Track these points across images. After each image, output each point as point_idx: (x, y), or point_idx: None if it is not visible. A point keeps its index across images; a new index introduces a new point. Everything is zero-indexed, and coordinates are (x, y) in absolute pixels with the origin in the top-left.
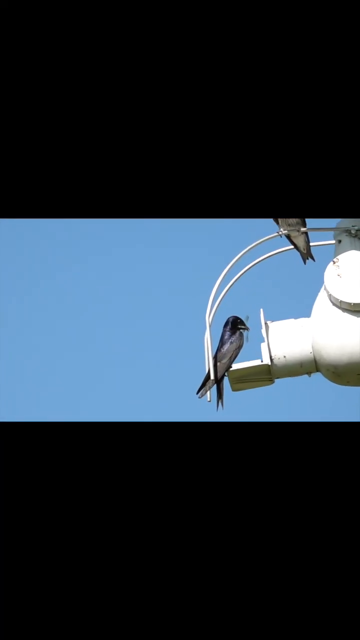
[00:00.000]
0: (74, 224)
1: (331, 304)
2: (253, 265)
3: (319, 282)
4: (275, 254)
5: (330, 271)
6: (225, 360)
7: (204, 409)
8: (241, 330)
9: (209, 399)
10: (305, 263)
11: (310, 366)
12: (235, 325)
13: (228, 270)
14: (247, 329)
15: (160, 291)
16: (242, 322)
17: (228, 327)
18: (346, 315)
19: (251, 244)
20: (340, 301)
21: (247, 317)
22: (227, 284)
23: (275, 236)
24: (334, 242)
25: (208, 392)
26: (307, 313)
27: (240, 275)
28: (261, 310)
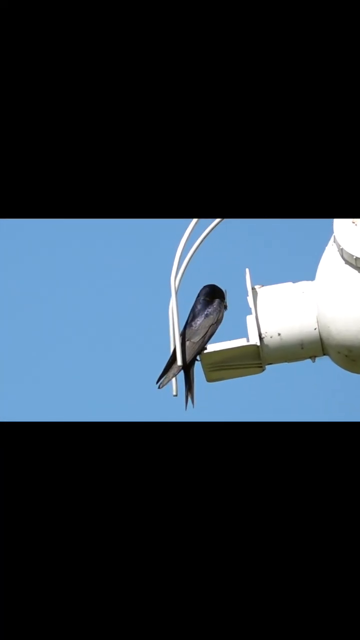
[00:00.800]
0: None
1: (343, 261)
2: None
3: (326, 233)
4: None
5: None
6: (197, 339)
7: (167, 406)
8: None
9: (174, 392)
10: None
11: (314, 347)
12: (212, 294)
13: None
14: (224, 306)
15: (107, 248)
16: (220, 293)
17: (202, 295)
18: None
19: None
20: (356, 258)
21: (225, 291)
22: (200, 236)
23: None
24: None
25: (173, 382)
26: (310, 275)
27: (217, 224)
28: (247, 270)
